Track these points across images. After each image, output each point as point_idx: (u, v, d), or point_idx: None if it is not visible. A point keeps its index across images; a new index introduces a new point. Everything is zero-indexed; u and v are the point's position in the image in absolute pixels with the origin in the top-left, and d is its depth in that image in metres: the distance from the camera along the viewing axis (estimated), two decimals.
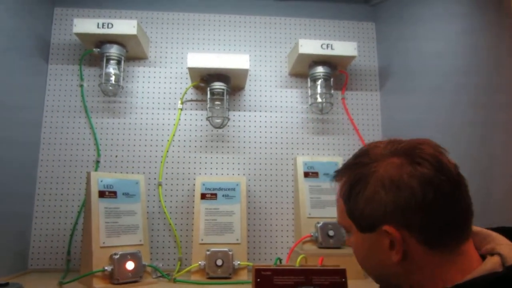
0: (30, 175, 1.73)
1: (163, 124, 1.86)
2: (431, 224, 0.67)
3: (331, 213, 1.72)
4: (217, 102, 1.79)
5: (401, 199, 0.67)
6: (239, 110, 1.91)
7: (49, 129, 1.80)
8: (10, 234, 1.57)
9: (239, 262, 1.56)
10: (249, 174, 1.87)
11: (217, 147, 1.87)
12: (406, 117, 1.75)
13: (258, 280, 1.29)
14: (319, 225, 1.66)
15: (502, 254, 0.65)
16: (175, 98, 1.88)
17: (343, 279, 1.31)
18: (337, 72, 1.90)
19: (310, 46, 1.77)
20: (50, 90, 1.83)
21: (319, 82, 1.84)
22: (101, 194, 1.50)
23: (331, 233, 1.64)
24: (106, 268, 1.39)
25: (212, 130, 1.87)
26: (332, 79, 1.86)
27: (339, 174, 0.80)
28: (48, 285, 1.40)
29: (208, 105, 1.79)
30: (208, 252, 1.55)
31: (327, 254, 1.54)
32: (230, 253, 1.56)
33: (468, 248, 0.69)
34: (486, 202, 1.30)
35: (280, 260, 1.40)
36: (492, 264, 0.64)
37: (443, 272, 0.67)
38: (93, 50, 1.76)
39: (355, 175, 0.74)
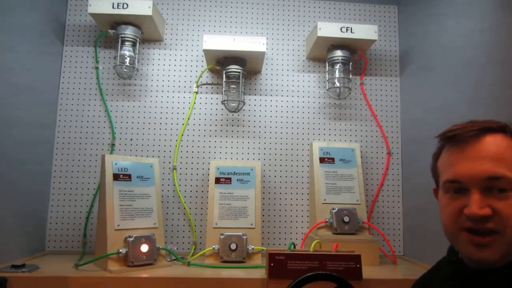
0: (46, 158, 1.74)
1: (178, 108, 1.84)
2: None
3: (347, 199, 1.70)
4: (232, 86, 1.77)
5: None
6: (255, 94, 1.89)
7: (64, 112, 1.80)
8: (27, 217, 1.59)
9: (253, 246, 1.55)
10: (264, 159, 1.85)
11: (232, 131, 1.85)
12: (426, 104, 1.69)
13: (272, 264, 1.29)
14: (334, 210, 1.65)
15: None
16: (191, 81, 1.87)
17: (358, 265, 1.30)
18: (356, 56, 1.86)
19: (329, 29, 1.73)
20: (65, 72, 1.82)
21: (337, 66, 1.79)
22: (116, 177, 1.50)
23: (346, 219, 1.63)
24: (120, 250, 1.39)
25: (227, 114, 1.85)
26: (350, 64, 1.82)
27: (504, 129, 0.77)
28: (64, 266, 1.41)
29: (224, 89, 1.77)
30: (222, 236, 1.55)
31: (342, 240, 1.52)
32: (244, 237, 1.55)
33: None
34: None
35: (294, 245, 1.40)
36: None
37: None
38: (108, 31, 1.74)
39: None
